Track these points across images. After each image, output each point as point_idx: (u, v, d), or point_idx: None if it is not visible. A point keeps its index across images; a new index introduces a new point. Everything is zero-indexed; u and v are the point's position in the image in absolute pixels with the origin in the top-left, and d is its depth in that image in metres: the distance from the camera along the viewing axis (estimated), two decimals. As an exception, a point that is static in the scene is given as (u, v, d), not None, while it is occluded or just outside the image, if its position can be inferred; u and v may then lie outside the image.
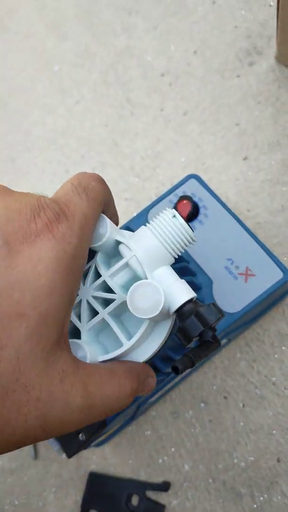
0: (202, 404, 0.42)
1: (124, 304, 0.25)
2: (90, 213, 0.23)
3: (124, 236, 0.27)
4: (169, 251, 0.25)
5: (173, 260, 0.26)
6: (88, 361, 0.24)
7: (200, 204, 0.38)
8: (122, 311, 0.26)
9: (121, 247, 0.26)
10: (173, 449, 0.42)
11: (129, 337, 0.26)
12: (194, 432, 0.42)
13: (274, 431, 0.40)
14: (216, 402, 0.42)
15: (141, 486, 0.42)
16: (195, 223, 0.38)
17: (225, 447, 0.41)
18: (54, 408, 0.20)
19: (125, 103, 0.51)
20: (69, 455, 0.35)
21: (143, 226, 0.26)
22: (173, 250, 0.26)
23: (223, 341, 0.39)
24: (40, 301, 0.19)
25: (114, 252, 0.27)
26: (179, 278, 0.25)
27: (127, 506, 0.42)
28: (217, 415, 0.41)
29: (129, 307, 0.23)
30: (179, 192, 0.39)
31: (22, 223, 0.20)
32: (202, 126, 0.48)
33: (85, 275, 0.27)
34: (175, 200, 0.39)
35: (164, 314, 0.24)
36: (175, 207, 0.38)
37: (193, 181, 0.39)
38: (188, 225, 0.26)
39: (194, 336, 0.24)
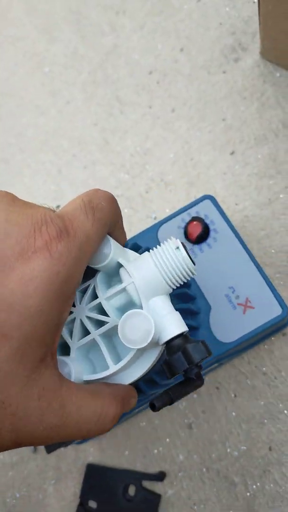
0: (195, 395, 0.43)
1: (116, 327, 0.25)
2: (93, 234, 0.22)
3: (128, 258, 0.27)
4: (167, 282, 0.25)
5: (170, 290, 0.26)
6: (72, 379, 0.24)
7: (211, 227, 0.38)
8: (114, 333, 0.26)
9: (121, 271, 0.26)
10: (167, 439, 0.43)
11: (118, 359, 0.26)
12: (187, 423, 0.43)
13: (265, 420, 0.40)
14: (208, 393, 0.42)
15: (138, 477, 0.43)
16: (203, 246, 0.38)
17: (218, 437, 0.41)
18: (28, 424, 0.20)
19: (114, 101, 0.52)
20: (48, 451, 0.37)
21: (146, 252, 0.26)
22: (172, 282, 0.26)
23: (215, 365, 0.40)
24: (26, 323, 0.19)
25: (116, 272, 0.27)
26: (173, 310, 0.25)
27: (124, 496, 0.43)
28: (209, 405, 0.42)
29: (120, 336, 0.23)
30: (192, 211, 0.38)
31: (21, 238, 0.20)
32: (190, 123, 0.49)
33: (84, 291, 0.27)
34: (187, 219, 0.38)
35: (153, 344, 0.24)
36: (186, 227, 0.38)
37: (208, 202, 0.38)
38: (190, 258, 0.26)
39: (179, 372, 0.24)
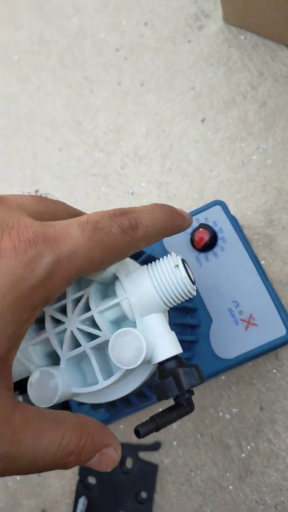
0: (184, 364, 0.43)
1: (108, 341, 0.24)
2: (84, 252, 0.20)
3: (126, 267, 0.26)
4: (164, 302, 0.24)
5: (167, 308, 0.25)
6: (59, 391, 0.23)
7: (219, 235, 0.36)
8: (106, 345, 0.25)
9: (117, 284, 0.25)
10: (160, 409, 0.43)
11: (109, 372, 0.25)
12: (178, 391, 0.43)
13: (254, 381, 0.40)
14: (196, 360, 0.42)
15: (134, 449, 0.43)
16: (209, 254, 0.36)
17: (209, 402, 0.41)
18: None
19: (84, 81, 0.52)
20: None
21: (144, 267, 0.25)
22: (169, 301, 0.24)
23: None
24: None
25: (112, 281, 0.26)
26: (168, 330, 0.24)
27: (121, 469, 0.43)
28: (199, 372, 0.42)
29: (110, 355, 0.23)
30: (201, 217, 0.36)
31: None
32: (159, 94, 0.48)
33: (77, 301, 0.26)
34: (195, 224, 0.36)
35: (145, 363, 0.23)
36: (193, 233, 0.36)
37: (218, 208, 0.36)
38: (190, 278, 0.25)
39: (168, 398, 0.23)
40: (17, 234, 0.18)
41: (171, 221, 0.24)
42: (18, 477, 0.47)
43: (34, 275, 0.18)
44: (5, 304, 0.18)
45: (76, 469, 0.44)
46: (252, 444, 0.40)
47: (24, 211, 0.20)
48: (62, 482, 0.45)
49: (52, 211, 0.22)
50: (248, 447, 0.40)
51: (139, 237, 0.22)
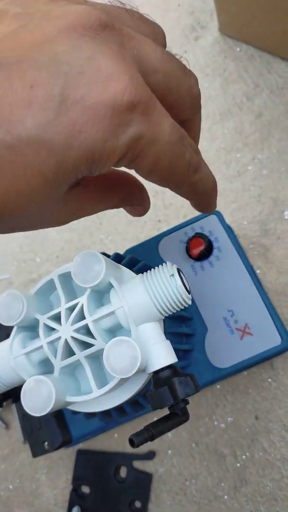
0: (179, 372, 0.43)
1: (103, 350, 0.24)
2: (162, 153, 0.20)
3: (121, 277, 0.26)
4: (159, 310, 0.24)
5: (162, 317, 0.25)
6: (53, 400, 0.23)
7: (215, 244, 0.36)
8: (101, 353, 0.25)
9: (112, 293, 0.25)
10: (155, 418, 0.43)
11: (104, 380, 0.25)
12: (173, 400, 0.43)
13: (249, 390, 0.40)
14: (191, 369, 0.42)
15: (128, 458, 0.43)
16: (204, 263, 0.36)
17: (204, 411, 0.41)
18: (42, 223, 0.22)
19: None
20: (34, 455, 0.38)
21: (140, 275, 0.25)
22: (164, 310, 0.24)
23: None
24: (61, 169, 0.18)
25: (108, 289, 0.26)
26: (164, 339, 0.24)
27: (115, 478, 0.43)
28: (194, 381, 0.42)
29: (105, 364, 0.23)
30: (197, 226, 0.36)
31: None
32: (156, 104, 0.49)
33: (71, 310, 0.26)
34: (190, 233, 0.36)
35: (140, 371, 0.23)
36: (188, 242, 0.36)
37: (213, 217, 0.36)
38: (186, 288, 0.24)
39: (163, 407, 0.23)
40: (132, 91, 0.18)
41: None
42: (10, 485, 0.46)
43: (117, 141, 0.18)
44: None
45: (69, 478, 0.44)
46: (247, 453, 0.40)
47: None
48: (55, 491, 0.45)
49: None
50: (243, 456, 0.40)
51: (196, 182, 0.23)
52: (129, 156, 0.19)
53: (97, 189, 0.23)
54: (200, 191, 0.24)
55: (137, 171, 0.21)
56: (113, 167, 0.20)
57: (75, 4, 0.19)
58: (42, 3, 0.20)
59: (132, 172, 0.22)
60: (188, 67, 0.23)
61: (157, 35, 0.23)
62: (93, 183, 0.23)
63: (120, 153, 0.19)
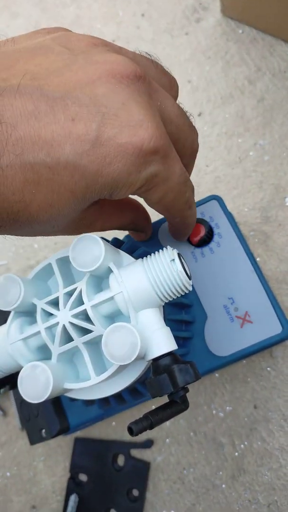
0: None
1: (101, 336, 0.23)
2: (171, 191, 0.24)
3: (121, 261, 0.25)
4: (159, 296, 0.24)
5: (162, 303, 0.25)
6: (51, 387, 0.23)
7: (215, 231, 0.35)
8: (99, 340, 0.25)
9: (111, 278, 0.24)
10: (153, 406, 0.42)
11: (102, 367, 0.25)
12: (172, 389, 0.42)
13: (248, 379, 0.40)
14: (190, 357, 0.42)
15: (126, 446, 0.42)
16: (204, 250, 0.35)
17: (203, 400, 0.41)
18: (61, 232, 0.25)
19: (79, 74, 0.51)
20: (31, 443, 0.37)
21: (139, 260, 0.25)
22: (164, 296, 0.24)
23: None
24: (89, 191, 0.22)
25: (106, 274, 0.25)
26: (163, 326, 0.24)
27: (113, 467, 0.42)
28: (192, 369, 0.42)
29: (104, 350, 0.22)
30: (197, 212, 0.35)
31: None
32: (156, 88, 0.48)
33: (70, 295, 0.25)
34: None
35: (139, 358, 0.23)
36: None
37: (214, 203, 0.35)
38: (186, 273, 0.24)
39: (162, 395, 0.22)
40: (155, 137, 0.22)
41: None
42: (8, 473, 0.46)
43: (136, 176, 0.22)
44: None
45: (67, 466, 0.44)
46: (246, 442, 0.39)
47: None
48: (53, 479, 0.44)
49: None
50: (242, 445, 0.39)
51: (187, 216, 0.28)
52: (144, 188, 0.23)
53: (110, 210, 0.27)
54: (187, 223, 0.29)
55: (146, 200, 0.25)
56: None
57: (114, 53, 0.22)
58: (84, 45, 0.22)
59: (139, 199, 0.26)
60: (194, 123, 0.27)
61: (173, 87, 0.27)
62: (108, 205, 0.26)
63: (139, 185, 0.22)
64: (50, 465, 0.45)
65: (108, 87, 0.21)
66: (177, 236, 0.33)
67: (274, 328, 0.33)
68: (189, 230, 0.31)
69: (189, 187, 0.25)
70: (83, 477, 0.43)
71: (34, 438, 0.37)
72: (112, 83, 0.21)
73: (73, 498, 0.42)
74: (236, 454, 0.39)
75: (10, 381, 0.37)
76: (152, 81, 0.23)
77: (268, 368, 0.40)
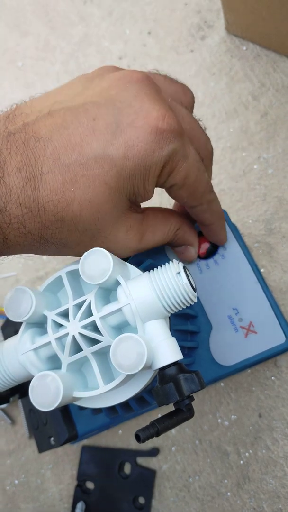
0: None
1: (110, 346, 0.24)
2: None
3: (128, 274, 0.26)
4: (165, 308, 0.25)
5: (168, 315, 0.25)
6: (61, 395, 0.24)
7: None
8: (108, 350, 0.25)
9: (119, 290, 0.25)
10: (159, 415, 0.43)
11: (110, 376, 0.26)
12: (178, 397, 0.43)
13: (253, 388, 0.41)
14: (196, 366, 0.43)
15: (132, 454, 0.43)
16: (209, 262, 0.36)
17: (208, 409, 0.42)
18: (115, 246, 0.27)
19: (87, 89, 0.53)
20: (40, 450, 0.38)
21: (146, 273, 0.26)
22: (170, 307, 0.25)
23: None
24: (121, 178, 0.24)
25: (114, 286, 0.26)
26: (169, 336, 0.25)
27: (120, 474, 0.43)
28: (198, 378, 0.42)
29: (111, 360, 0.23)
30: None
31: (141, 111, 0.24)
32: (162, 103, 0.49)
33: (79, 306, 0.26)
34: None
35: (146, 368, 0.24)
36: None
37: None
38: (191, 285, 0.25)
39: (168, 403, 0.23)
40: (167, 121, 0.24)
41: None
42: (16, 480, 0.47)
43: (161, 156, 0.24)
44: (138, 168, 0.24)
45: (74, 474, 0.45)
46: (250, 451, 0.40)
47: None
48: (60, 486, 0.45)
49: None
50: (247, 454, 0.40)
51: (212, 200, 0.31)
52: (168, 168, 0.25)
53: (156, 219, 0.29)
54: (215, 210, 0.31)
55: (171, 188, 0.27)
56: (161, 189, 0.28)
57: (123, 69, 0.27)
58: (98, 71, 0.27)
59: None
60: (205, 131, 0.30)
61: (186, 94, 0.29)
62: (152, 214, 0.29)
63: (163, 162, 0.25)
64: (57, 473, 0.45)
65: (120, 87, 0.25)
66: (215, 236, 0.34)
67: (278, 338, 0.34)
68: (222, 220, 0.33)
69: (204, 170, 0.28)
70: (90, 485, 0.44)
71: (43, 446, 0.38)
72: (122, 83, 0.25)
73: (80, 506, 0.43)
74: (241, 462, 0.40)
75: (19, 390, 0.38)
76: (158, 83, 0.27)
77: (273, 378, 0.40)
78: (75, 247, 0.26)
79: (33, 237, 0.23)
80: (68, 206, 0.23)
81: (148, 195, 0.27)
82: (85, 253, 0.25)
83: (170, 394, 0.23)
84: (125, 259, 0.29)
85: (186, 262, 0.36)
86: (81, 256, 0.25)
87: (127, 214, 0.26)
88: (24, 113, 0.24)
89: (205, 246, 0.36)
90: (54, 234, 0.24)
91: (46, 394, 0.24)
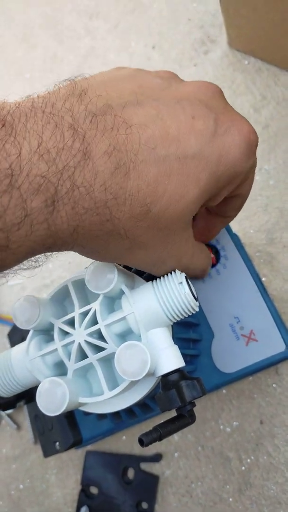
0: (186, 377, 0.44)
1: (114, 353, 0.25)
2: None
3: (132, 284, 0.27)
4: (168, 317, 0.25)
5: (171, 323, 0.26)
6: (67, 400, 0.25)
7: (221, 253, 0.37)
8: (112, 357, 0.26)
9: (123, 299, 0.26)
10: (162, 421, 0.44)
11: (115, 383, 0.26)
12: (180, 404, 0.44)
13: (255, 395, 0.41)
14: (198, 373, 0.43)
15: (135, 459, 0.44)
16: (211, 271, 0.37)
17: (210, 415, 0.42)
18: (179, 252, 0.26)
19: (93, 101, 0.54)
20: (45, 455, 0.39)
21: (149, 283, 0.26)
22: (173, 316, 0.26)
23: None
24: (210, 181, 0.24)
25: (119, 295, 0.27)
26: (172, 344, 0.26)
27: (123, 480, 0.44)
28: (200, 385, 0.43)
29: (116, 366, 0.24)
30: None
31: (232, 121, 0.25)
32: (166, 115, 0.50)
33: (85, 314, 0.27)
34: None
35: (149, 375, 0.25)
36: None
37: None
38: (193, 295, 0.26)
39: (170, 409, 0.24)
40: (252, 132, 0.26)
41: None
42: (21, 485, 0.47)
43: (249, 164, 0.25)
44: (226, 175, 0.25)
45: (78, 479, 0.45)
46: (252, 457, 0.41)
47: None
48: (64, 491, 0.46)
49: None
50: (248, 460, 0.41)
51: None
52: (245, 177, 0.26)
53: (213, 216, 0.31)
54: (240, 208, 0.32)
55: (233, 198, 0.28)
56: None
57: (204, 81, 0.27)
58: (165, 74, 0.28)
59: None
60: None
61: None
62: (211, 210, 0.31)
63: (246, 172, 0.25)
64: (62, 478, 0.46)
65: (208, 96, 0.25)
66: (217, 228, 0.34)
67: (278, 346, 0.34)
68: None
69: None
70: (94, 490, 0.45)
71: (48, 450, 0.39)
72: (211, 92, 0.26)
73: (84, 510, 0.43)
74: (243, 468, 0.41)
75: (25, 396, 0.38)
76: None
77: (274, 385, 0.41)
78: (138, 251, 0.24)
79: (107, 228, 0.21)
80: (158, 199, 0.22)
81: (216, 202, 0.27)
82: (91, 264, 0.26)
83: (172, 400, 0.24)
84: (129, 268, 0.30)
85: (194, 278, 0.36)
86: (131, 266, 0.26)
87: (191, 222, 0.26)
88: (99, 95, 0.22)
89: None
90: (132, 229, 0.22)
91: (53, 400, 0.25)
